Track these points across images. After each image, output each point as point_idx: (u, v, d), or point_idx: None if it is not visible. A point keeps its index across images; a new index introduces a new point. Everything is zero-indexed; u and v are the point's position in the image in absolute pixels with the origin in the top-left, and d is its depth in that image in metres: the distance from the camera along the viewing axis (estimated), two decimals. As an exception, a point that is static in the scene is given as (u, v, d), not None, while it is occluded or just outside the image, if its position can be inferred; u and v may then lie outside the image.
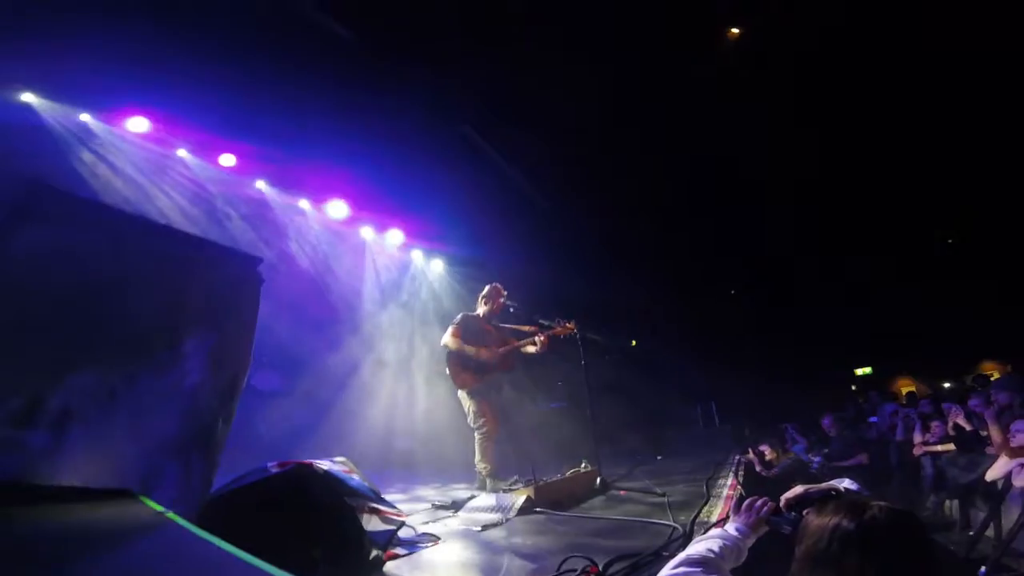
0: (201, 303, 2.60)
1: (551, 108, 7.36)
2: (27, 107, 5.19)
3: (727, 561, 1.64)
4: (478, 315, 5.17)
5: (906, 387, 11.96)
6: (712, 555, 1.61)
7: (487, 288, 5.28)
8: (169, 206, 5.93)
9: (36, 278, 2.03)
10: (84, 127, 5.58)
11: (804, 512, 1.69)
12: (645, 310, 10.69)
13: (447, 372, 5.09)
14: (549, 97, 7.14)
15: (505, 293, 5.25)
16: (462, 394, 5.01)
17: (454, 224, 8.05)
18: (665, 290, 10.70)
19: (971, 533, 5.09)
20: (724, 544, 1.68)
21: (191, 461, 2.26)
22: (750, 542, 1.75)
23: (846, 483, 1.85)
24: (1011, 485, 4.76)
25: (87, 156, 5.48)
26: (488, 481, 4.72)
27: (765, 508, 1.77)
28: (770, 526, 1.75)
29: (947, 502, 5.76)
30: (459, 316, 5.14)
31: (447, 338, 4.99)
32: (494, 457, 4.89)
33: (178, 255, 2.61)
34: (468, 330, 5.03)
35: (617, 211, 9.52)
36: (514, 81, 6.96)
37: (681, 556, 1.63)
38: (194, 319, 2.53)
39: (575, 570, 2.19)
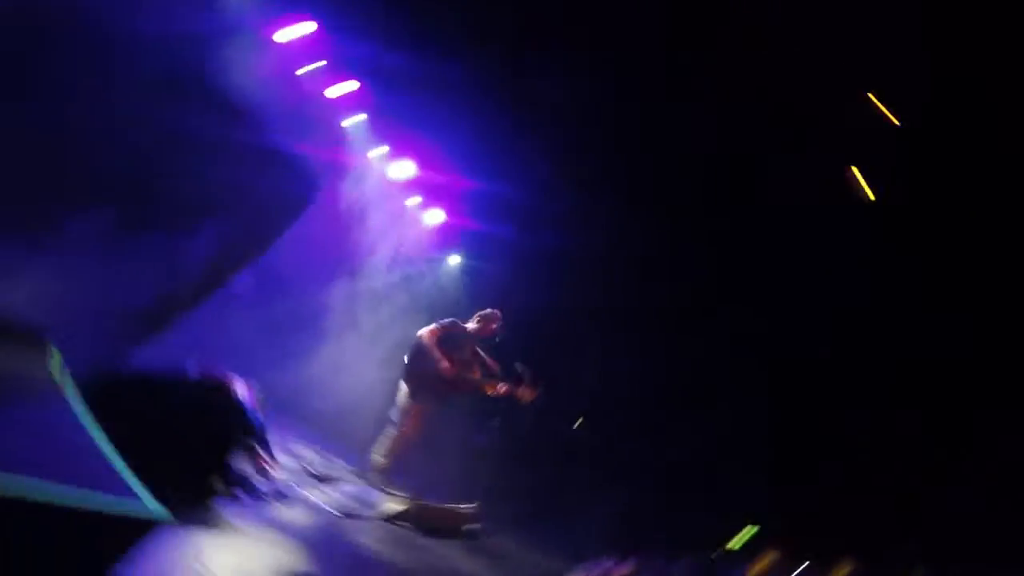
0: (239, 194, 2.78)
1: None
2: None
3: None
4: (466, 328, 5.24)
5: (760, 566, 11.58)
6: None
7: (488, 311, 5.41)
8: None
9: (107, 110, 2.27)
10: None
11: None
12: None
13: (404, 360, 5.12)
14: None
15: (501, 324, 5.35)
16: (404, 389, 5.04)
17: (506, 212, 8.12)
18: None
19: None
20: None
21: (132, 324, 2.45)
22: None
23: None
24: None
25: None
26: (376, 477, 4.77)
27: None
28: None
29: None
30: (448, 320, 5.20)
31: (425, 331, 5.03)
32: (395, 460, 4.92)
33: (248, 144, 2.79)
34: (450, 336, 5.07)
35: None
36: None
37: None
38: (227, 204, 2.70)
39: None
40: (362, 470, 4.92)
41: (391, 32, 5.99)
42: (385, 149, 7.61)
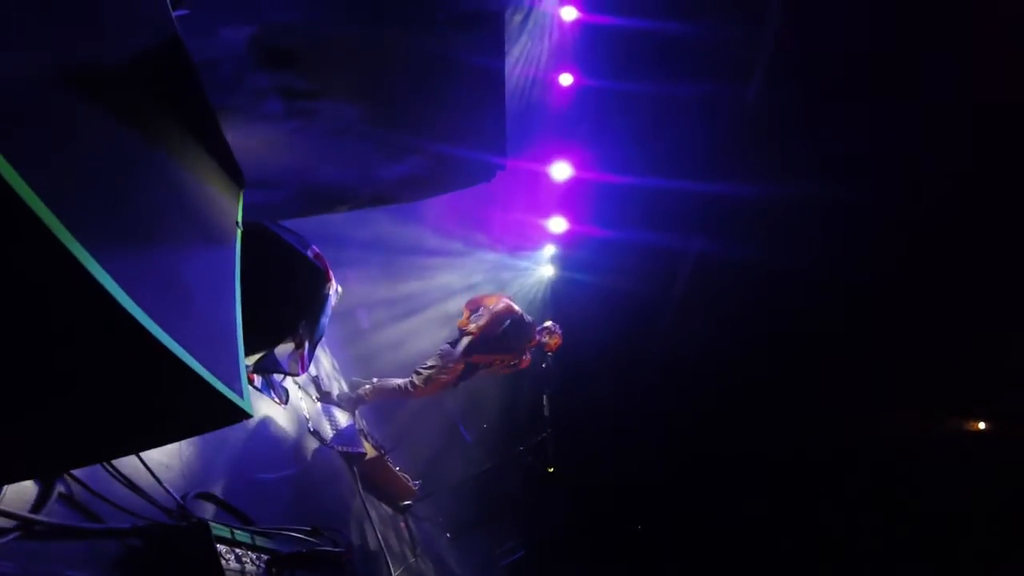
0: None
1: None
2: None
3: None
4: (530, 325, 5.23)
5: None
6: None
7: (552, 324, 5.45)
8: None
9: None
10: None
11: None
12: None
13: (467, 326, 5.15)
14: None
15: (559, 342, 5.36)
16: (446, 348, 5.04)
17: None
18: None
19: None
20: None
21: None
22: None
23: None
24: None
25: None
26: (348, 403, 4.77)
27: None
28: None
29: None
30: (525, 314, 5.27)
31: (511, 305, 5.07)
32: (386, 401, 5.07)
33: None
34: (498, 329, 5.09)
35: None
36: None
37: None
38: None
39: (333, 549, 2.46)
40: (351, 396, 4.95)
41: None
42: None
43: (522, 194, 8.27)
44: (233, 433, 2.84)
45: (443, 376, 4.98)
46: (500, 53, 2.50)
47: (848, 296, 7.79)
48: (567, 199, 8.34)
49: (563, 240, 8.63)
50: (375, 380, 5.16)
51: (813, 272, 7.60)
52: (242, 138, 1.90)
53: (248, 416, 1.32)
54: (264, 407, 3.31)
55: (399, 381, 5.05)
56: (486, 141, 2.89)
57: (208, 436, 2.58)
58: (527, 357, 5.44)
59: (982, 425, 8.60)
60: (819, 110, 6.84)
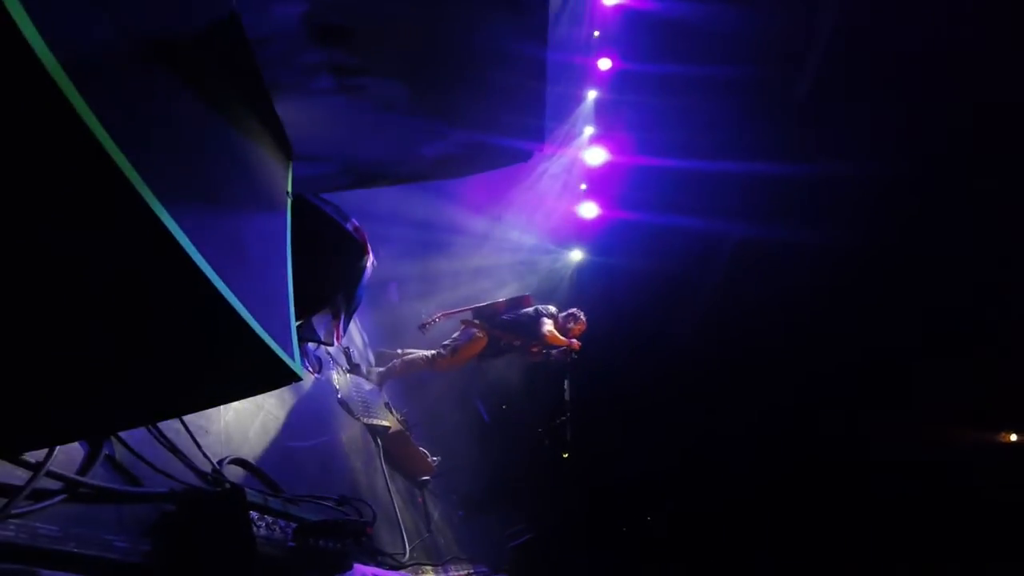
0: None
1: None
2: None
3: None
4: (557, 319, 5.34)
5: None
6: None
7: (578, 310, 5.48)
8: None
9: None
10: None
11: None
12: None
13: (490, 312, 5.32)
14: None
15: (583, 328, 5.42)
16: (473, 328, 5.17)
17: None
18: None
19: None
20: None
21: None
22: None
23: None
24: None
25: None
26: (377, 377, 4.91)
27: None
28: None
29: None
30: (551, 309, 5.38)
31: (549, 326, 5.14)
32: (409, 378, 5.19)
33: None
34: (521, 316, 5.26)
35: None
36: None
37: None
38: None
39: (349, 505, 2.57)
40: (379, 372, 5.09)
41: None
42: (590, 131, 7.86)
43: (556, 178, 8.23)
44: (267, 400, 2.93)
45: (469, 348, 5.06)
46: (543, 38, 2.50)
47: (885, 291, 7.61)
48: (600, 184, 8.28)
49: (593, 225, 8.58)
50: (401, 352, 5.24)
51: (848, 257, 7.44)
52: (293, 112, 1.95)
53: (298, 379, 1.36)
54: (303, 391, 3.42)
55: (427, 352, 5.14)
56: (525, 125, 2.90)
57: (245, 402, 2.67)
58: (556, 352, 5.41)
59: (1013, 437, 8.37)
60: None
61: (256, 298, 1.26)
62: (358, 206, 3.45)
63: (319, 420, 3.44)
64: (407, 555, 3.29)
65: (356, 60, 2.26)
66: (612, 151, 7.72)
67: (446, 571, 4.02)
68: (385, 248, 5.51)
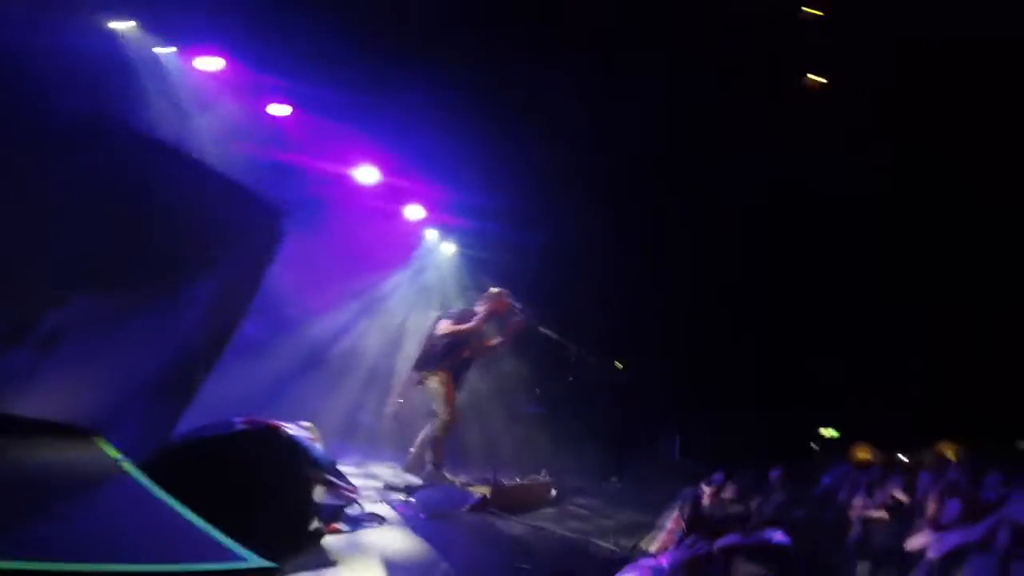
0: (222, 244, 2.57)
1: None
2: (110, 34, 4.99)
3: None
4: (474, 312, 5.12)
5: (862, 453, 11.97)
6: None
7: (492, 291, 5.25)
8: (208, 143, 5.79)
9: (68, 198, 2.01)
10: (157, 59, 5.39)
11: (734, 558, 1.78)
12: (638, 338, 10.75)
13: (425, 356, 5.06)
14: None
15: (511, 303, 5.23)
16: (434, 380, 4.90)
17: (479, 197, 7.96)
18: (657, 321, 10.76)
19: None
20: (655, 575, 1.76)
21: (163, 403, 2.30)
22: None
23: (779, 536, 1.94)
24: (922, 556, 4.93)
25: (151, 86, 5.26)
26: (433, 472, 4.63)
27: (702, 550, 1.85)
28: (699, 567, 1.84)
29: (862, 563, 5.89)
30: (456, 311, 5.15)
31: (444, 326, 4.95)
32: (445, 449, 4.82)
33: (212, 193, 2.57)
34: (462, 322, 5.00)
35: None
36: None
37: None
38: (211, 258, 2.50)
39: None
40: (431, 471, 4.73)
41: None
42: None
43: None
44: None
45: (448, 393, 4.85)
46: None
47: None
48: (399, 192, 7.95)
49: (433, 223, 8.32)
50: (416, 446, 4.90)
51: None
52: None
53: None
54: (386, 536, 2.97)
55: (430, 428, 4.87)
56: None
57: None
58: (495, 340, 5.31)
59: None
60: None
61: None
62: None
63: (439, 545, 2.93)
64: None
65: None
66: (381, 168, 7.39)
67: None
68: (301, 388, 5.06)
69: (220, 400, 3.28)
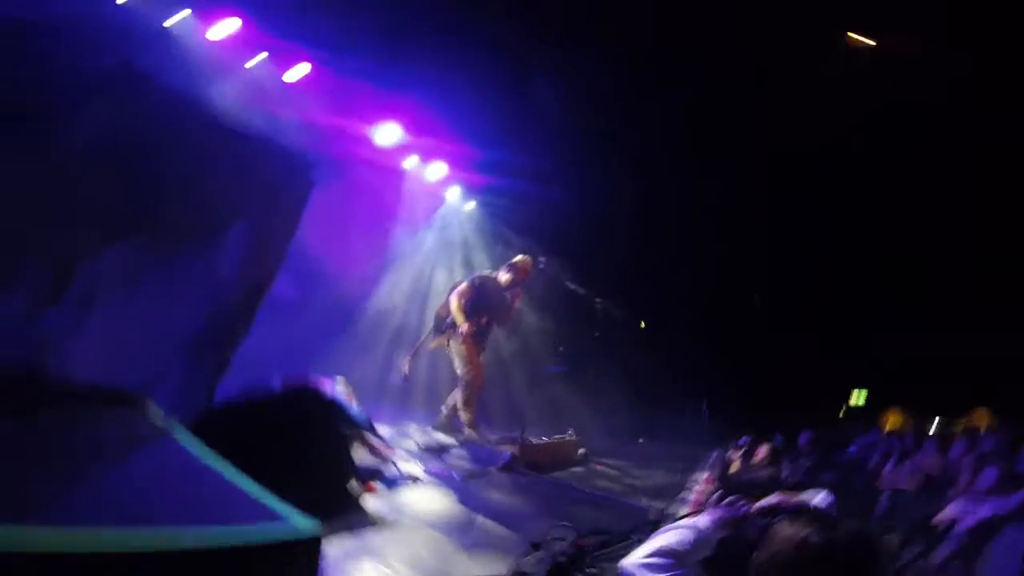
0: (250, 196, 2.60)
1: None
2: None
3: (696, 554, 1.70)
4: (497, 280, 5.15)
5: (893, 419, 11.82)
6: (683, 548, 1.66)
7: (517, 258, 5.27)
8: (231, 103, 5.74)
9: (98, 147, 2.04)
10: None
11: (774, 520, 1.75)
12: (664, 298, 10.66)
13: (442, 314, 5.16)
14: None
15: (536, 265, 5.31)
16: (454, 342, 4.97)
17: (503, 153, 7.87)
18: (685, 284, 10.63)
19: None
20: (695, 537, 1.73)
21: (203, 361, 2.33)
22: (717, 537, 1.81)
23: (820, 497, 1.90)
24: (954, 528, 4.84)
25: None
26: (467, 432, 4.73)
27: (742, 510, 1.82)
28: (738, 528, 1.81)
29: (890, 535, 5.80)
30: (478, 277, 5.09)
31: (454, 295, 4.96)
32: (476, 408, 4.91)
33: (237, 147, 2.59)
34: (482, 296, 5.01)
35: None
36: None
37: (652, 544, 1.68)
38: (241, 210, 2.53)
39: (563, 539, 2.18)
40: (465, 430, 4.84)
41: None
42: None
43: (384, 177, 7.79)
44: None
45: (469, 349, 4.91)
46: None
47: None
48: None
49: (456, 180, 8.24)
50: (447, 406, 5.00)
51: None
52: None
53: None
54: (421, 496, 3.01)
55: (459, 388, 4.93)
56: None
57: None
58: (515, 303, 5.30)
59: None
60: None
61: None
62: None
63: (474, 505, 2.98)
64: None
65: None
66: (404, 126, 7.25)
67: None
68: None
69: (256, 358, 3.35)
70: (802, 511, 1.74)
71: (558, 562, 2.05)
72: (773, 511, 1.76)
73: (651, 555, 1.64)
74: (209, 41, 5.39)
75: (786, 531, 1.60)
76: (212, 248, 2.49)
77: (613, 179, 8.93)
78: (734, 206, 9.90)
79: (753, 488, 5.44)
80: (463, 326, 4.81)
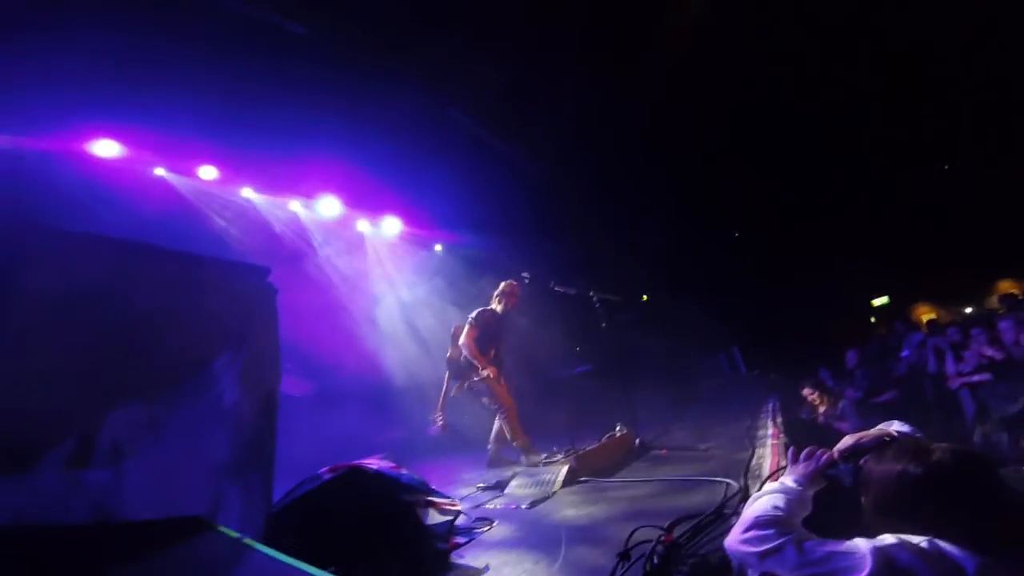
0: (221, 322, 2.59)
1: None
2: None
3: (795, 516, 1.65)
4: (495, 311, 5.29)
5: (926, 315, 11.70)
6: (780, 513, 1.62)
7: (503, 285, 5.39)
8: (159, 226, 5.73)
9: (55, 323, 2.01)
10: (53, 157, 5.14)
11: (861, 461, 1.70)
12: (651, 262, 10.66)
13: (455, 358, 5.25)
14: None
15: (519, 292, 5.40)
16: (476, 381, 5.08)
17: (451, 208, 8.01)
18: (668, 239, 10.63)
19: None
20: (788, 499, 1.68)
21: (249, 479, 2.29)
22: (811, 493, 1.76)
23: (896, 426, 1.85)
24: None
25: (68, 186, 5.17)
26: (526, 456, 4.78)
27: (824, 459, 1.77)
28: (829, 478, 1.76)
29: (993, 435, 5.63)
30: (476, 313, 5.16)
31: (465, 340, 5.05)
32: (524, 430, 4.97)
33: (188, 277, 2.59)
34: (486, 327, 5.14)
35: (611, 156, 9.35)
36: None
37: (747, 517, 1.64)
38: (218, 339, 2.52)
39: (649, 540, 2.10)
40: (511, 458, 4.93)
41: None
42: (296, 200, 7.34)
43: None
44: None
45: (497, 385, 5.03)
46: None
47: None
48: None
49: (414, 230, 8.30)
50: (491, 444, 5.12)
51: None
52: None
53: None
54: (501, 535, 2.98)
55: (497, 420, 5.09)
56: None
57: None
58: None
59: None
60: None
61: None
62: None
63: (550, 531, 2.91)
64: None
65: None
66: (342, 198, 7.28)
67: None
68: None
69: (298, 460, 3.32)
70: (886, 444, 1.70)
71: (653, 566, 1.97)
72: (856, 452, 1.72)
73: (750, 528, 1.60)
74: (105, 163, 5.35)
75: (880, 469, 1.56)
76: (206, 383, 2.48)
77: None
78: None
79: (821, 431, 5.37)
80: (480, 362, 4.93)
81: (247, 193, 6.76)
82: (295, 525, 2.22)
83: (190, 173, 6.13)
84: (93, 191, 5.20)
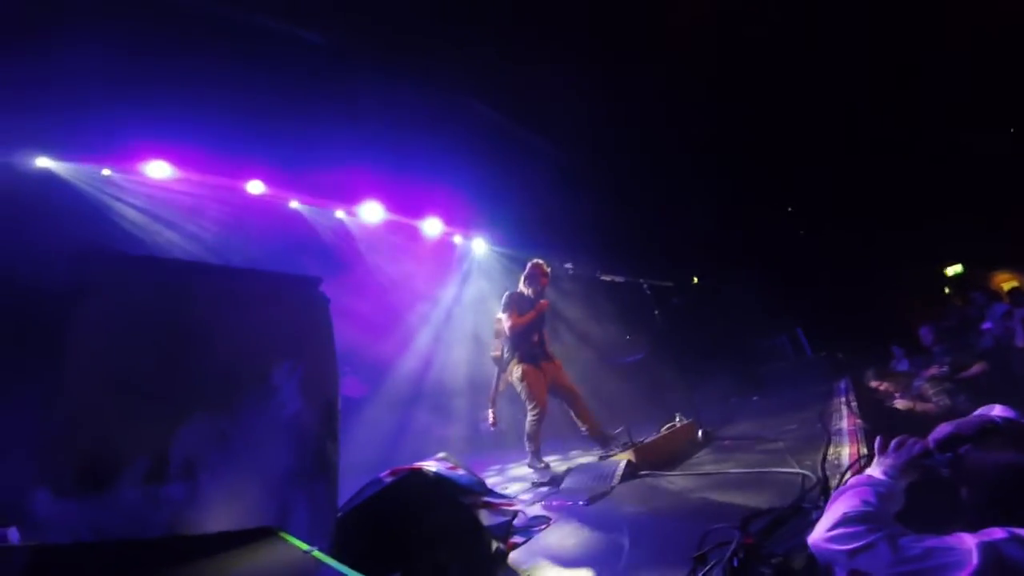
0: (277, 334, 2.65)
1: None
2: (48, 172, 5.13)
3: (886, 510, 1.52)
4: (522, 292, 5.12)
5: (1007, 283, 10.80)
6: (871, 508, 1.49)
7: (528, 267, 5.19)
8: (213, 243, 5.96)
9: (122, 347, 2.12)
10: (110, 182, 5.53)
11: (961, 450, 1.55)
12: (704, 244, 10.32)
13: (499, 355, 5.17)
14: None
15: (548, 269, 5.19)
16: (514, 379, 4.98)
17: (490, 203, 7.99)
18: (719, 220, 10.25)
19: None
20: (878, 492, 1.56)
21: (315, 488, 2.34)
22: (902, 486, 1.63)
23: (997, 410, 1.68)
24: None
25: (124, 210, 5.46)
26: (532, 459, 4.73)
27: (918, 448, 1.63)
28: (923, 469, 1.62)
29: None
30: (505, 297, 5.05)
31: (507, 322, 4.92)
32: (539, 437, 4.85)
33: (243, 292, 2.66)
34: (521, 308, 5.01)
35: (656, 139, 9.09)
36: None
37: (835, 512, 1.52)
38: (276, 351, 2.58)
39: (727, 543, 1.96)
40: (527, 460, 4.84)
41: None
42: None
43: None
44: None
45: (535, 382, 4.89)
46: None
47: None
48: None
49: (456, 230, 8.35)
50: (528, 442, 4.92)
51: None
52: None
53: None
54: (560, 534, 2.91)
55: (529, 414, 4.89)
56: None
57: None
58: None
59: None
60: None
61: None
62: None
63: (611, 525, 2.85)
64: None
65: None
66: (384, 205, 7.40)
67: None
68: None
69: (359, 460, 3.38)
70: (987, 431, 1.54)
71: (732, 568, 1.86)
72: (955, 440, 1.57)
73: (838, 525, 1.49)
74: (158, 184, 5.60)
75: (984, 458, 1.42)
76: (268, 395, 2.54)
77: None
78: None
79: (902, 415, 5.02)
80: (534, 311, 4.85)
81: (295, 204, 6.99)
82: (358, 530, 2.26)
83: (238, 189, 6.37)
84: (149, 212, 5.50)
